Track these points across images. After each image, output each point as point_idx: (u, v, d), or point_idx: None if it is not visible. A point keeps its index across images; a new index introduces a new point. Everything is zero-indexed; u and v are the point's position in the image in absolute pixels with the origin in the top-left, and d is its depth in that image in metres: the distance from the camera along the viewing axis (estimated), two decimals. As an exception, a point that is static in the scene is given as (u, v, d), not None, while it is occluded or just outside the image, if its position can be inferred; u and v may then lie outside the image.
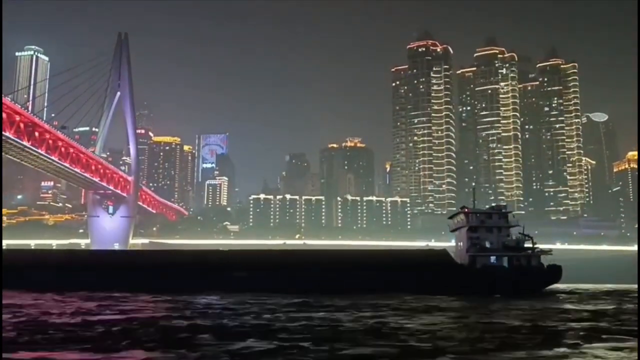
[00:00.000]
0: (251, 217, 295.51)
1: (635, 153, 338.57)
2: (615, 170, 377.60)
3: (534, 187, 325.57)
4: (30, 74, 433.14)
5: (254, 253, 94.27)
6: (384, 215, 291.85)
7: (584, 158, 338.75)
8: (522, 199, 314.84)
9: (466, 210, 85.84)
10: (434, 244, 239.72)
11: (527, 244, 79.75)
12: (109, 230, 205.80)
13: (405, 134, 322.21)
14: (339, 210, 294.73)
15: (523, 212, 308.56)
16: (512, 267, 76.88)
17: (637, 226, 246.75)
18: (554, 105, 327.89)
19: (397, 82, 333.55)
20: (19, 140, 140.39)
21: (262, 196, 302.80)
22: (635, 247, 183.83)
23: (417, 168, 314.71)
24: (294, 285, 65.20)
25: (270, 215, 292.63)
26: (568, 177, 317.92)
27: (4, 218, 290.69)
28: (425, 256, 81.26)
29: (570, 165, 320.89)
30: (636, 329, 29.57)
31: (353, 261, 79.30)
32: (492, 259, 78.12)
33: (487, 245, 79.25)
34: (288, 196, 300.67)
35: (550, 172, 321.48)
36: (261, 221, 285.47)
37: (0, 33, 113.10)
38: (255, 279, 68.98)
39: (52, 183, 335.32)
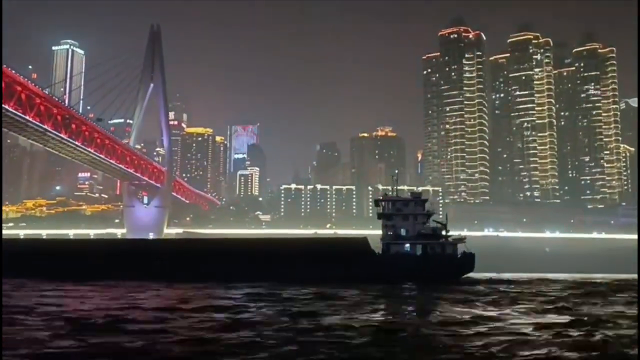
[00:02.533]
0: (282, 206, 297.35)
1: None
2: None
3: (570, 175, 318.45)
4: (66, 68, 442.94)
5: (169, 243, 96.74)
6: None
7: (622, 145, 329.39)
8: (557, 187, 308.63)
9: (381, 198, 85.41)
10: (467, 233, 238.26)
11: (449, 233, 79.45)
12: (144, 220, 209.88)
13: (437, 122, 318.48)
14: (370, 199, 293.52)
15: (558, 200, 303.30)
16: (426, 255, 75.77)
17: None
18: (590, 91, 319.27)
19: (429, 70, 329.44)
20: (57, 133, 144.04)
21: (293, 186, 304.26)
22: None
23: (449, 157, 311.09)
24: (198, 273, 67.05)
25: (301, 205, 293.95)
26: (605, 165, 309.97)
27: (44, 209, 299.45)
28: (345, 245, 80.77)
29: (607, 152, 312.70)
30: None
31: (271, 250, 78.79)
32: (406, 247, 77.28)
33: (403, 233, 78.27)
34: (319, 186, 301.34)
35: (587, 159, 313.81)
36: (292, 211, 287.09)
37: (0, 30, 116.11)
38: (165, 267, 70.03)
39: (88, 174, 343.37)
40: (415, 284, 64.35)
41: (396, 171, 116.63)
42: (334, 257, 71.11)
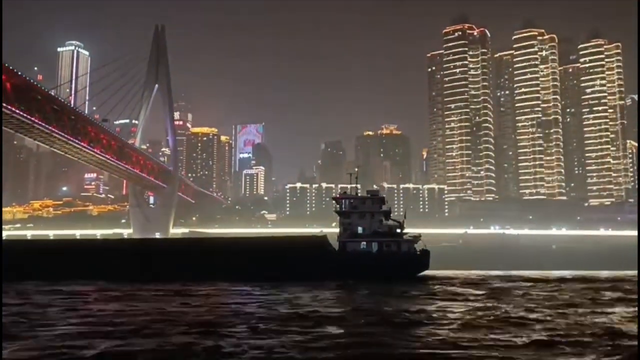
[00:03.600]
0: (288, 205, 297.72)
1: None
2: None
3: (576, 172, 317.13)
4: (71, 69, 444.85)
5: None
6: (421, 202, 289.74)
7: (628, 141, 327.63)
8: (563, 184, 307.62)
9: (338, 195, 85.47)
10: (473, 231, 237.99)
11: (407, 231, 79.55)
12: (150, 220, 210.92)
13: (442, 120, 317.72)
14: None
15: (565, 197, 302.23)
16: (382, 253, 75.59)
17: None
18: (596, 87, 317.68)
19: (433, 68, 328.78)
20: (62, 134, 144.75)
21: (298, 185, 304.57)
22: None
23: (454, 154, 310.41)
24: (150, 271, 67.04)
25: (306, 203, 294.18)
26: (612, 161, 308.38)
27: (50, 209, 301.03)
28: (306, 242, 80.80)
29: (614, 148, 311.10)
30: None
31: (229, 248, 78.75)
32: (362, 244, 77.07)
33: (359, 231, 78.13)
34: (324, 185, 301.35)
35: (593, 156, 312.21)
36: (298, 210, 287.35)
37: (0, 29, 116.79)
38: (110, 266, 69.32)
39: (95, 175, 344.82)
40: (370, 282, 64.13)
41: (356, 169, 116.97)
42: (292, 255, 71.26)
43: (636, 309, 35.63)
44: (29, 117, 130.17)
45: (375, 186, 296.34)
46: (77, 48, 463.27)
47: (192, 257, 72.33)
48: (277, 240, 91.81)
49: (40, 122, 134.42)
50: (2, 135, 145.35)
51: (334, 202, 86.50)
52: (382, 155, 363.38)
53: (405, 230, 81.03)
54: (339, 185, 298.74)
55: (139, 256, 73.68)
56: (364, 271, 70.02)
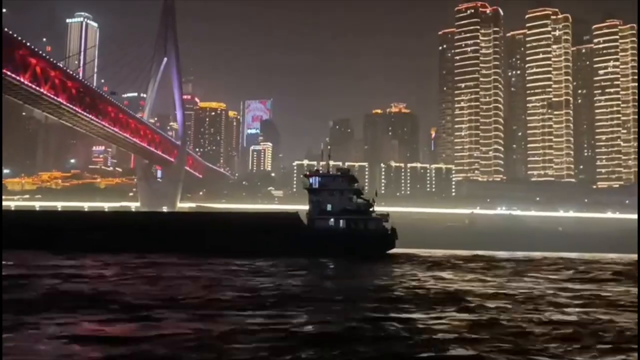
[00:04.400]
0: (295, 182, 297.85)
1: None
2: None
3: (586, 154, 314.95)
4: (80, 41, 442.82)
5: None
6: (428, 182, 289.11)
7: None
8: (572, 166, 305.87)
9: (308, 173, 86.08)
10: (479, 211, 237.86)
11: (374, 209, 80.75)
12: (157, 193, 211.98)
13: (451, 99, 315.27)
14: (383, 176, 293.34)
15: (573, 179, 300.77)
16: (350, 230, 76.40)
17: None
18: (609, 69, 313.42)
19: (444, 46, 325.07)
20: (71, 106, 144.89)
21: (305, 162, 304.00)
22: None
23: (463, 134, 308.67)
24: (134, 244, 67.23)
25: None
26: (622, 144, 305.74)
27: (59, 181, 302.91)
28: (278, 218, 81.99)
29: (625, 131, 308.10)
30: None
31: (203, 222, 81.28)
32: (331, 221, 77.88)
33: (328, 208, 78.86)
34: (331, 162, 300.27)
35: (604, 138, 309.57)
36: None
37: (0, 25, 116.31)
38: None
39: (103, 147, 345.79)
40: (335, 259, 65.02)
41: (328, 147, 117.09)
42: (264, 231, 72.61)
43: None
44: (37, 88, 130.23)
45: (383, 164, 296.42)
46: (85, 19, 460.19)
47: (165, 232, 73.61)
48: (250, 216, 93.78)
49: (48, 94, 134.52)
50: (9, 107, 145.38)
51: (304, 178, 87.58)
52: (390, 133, 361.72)
53: (375, 209, 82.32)
54: (346, 163, 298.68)
55: (118, 229, 74.64)
56: (332, 248, 70.96)
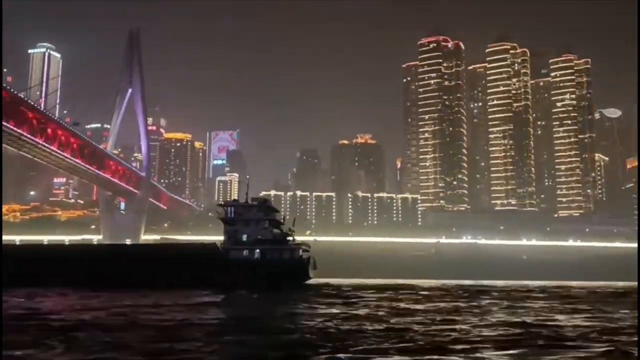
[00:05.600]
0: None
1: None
2: (628, 166, 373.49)
3: (546, 183, 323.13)
4: (42, 71, 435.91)
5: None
6: (394, 211, 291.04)
7: (596, 154, 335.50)
8: (534, 195, 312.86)
9: (223, 203, 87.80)
10: (445, 240, 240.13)
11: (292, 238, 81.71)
12: (120, 226, 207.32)
13: (416, 130, 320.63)
14: (350, 206, 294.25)
15: (535, 208, 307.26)
16: (265, 260, 76.80)
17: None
18: (566, 101, 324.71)
19: (408, 78, 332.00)
20: (31, 137, 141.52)
21: (272, 192, 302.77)
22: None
23: (428, 164, 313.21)
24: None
25: (281, 211, 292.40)
26: (581, 174, 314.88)
27: (17, 214, 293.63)
28: (195, 249, 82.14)
29: (582, 162, 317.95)
30: None
31: (115, 255, 79.91)
32: (245, 252, 78.20)
33: (244, 238, 79.08)
34: (299, 192, 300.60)
35: (563, 168, 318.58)
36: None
37: (0, 29, 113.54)
38: None
39: (64, 179, 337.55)
40: (253, 289, 65.08)
41: (247, 177, 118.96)
42: (181, 262, 72.09)
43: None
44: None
45: (350, 194, 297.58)
46: (48, 50, 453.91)
47: (83, 264, 72.04)
48: (168, 248, 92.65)
49: (8, 125, 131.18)
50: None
51: (219, 208, 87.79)
52: (356, 164, 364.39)
53: (298, 239, 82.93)
54: (314, 194, 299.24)
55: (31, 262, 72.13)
56: (245, 279, 70.89)
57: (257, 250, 77.86)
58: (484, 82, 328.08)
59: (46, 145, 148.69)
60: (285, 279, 73.56)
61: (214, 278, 69.59)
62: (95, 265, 71.83)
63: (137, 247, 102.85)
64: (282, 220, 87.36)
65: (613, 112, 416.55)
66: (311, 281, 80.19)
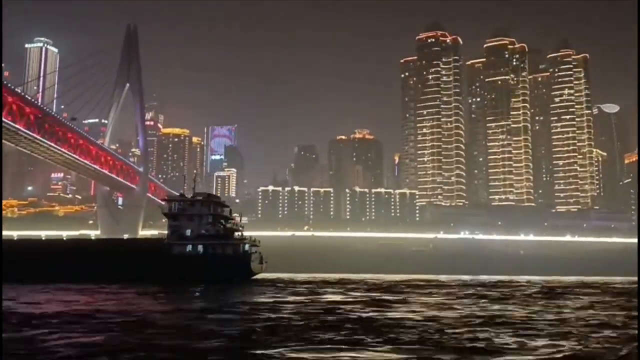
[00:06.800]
0: (260, 208, 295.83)
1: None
2: (626, 162, 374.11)
3: (544, 179, 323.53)
4: (40, 66, 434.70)
5: None
6: (392, 207, 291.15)
7: (594, 150, 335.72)
8: (532, 190, 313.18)
9: (166, 198, 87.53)
10: (443, 236, 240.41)
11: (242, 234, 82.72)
12: (118, 221, 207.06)
13: (414, 126, 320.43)
14: (348, 202, 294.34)
15: (533, 204, 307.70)
16: (207, 255, 76.89)
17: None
18: (564, 96, 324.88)
19: (406, 74, 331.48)
20: (29, 132, 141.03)
21: (270, 188, 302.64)
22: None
23: (425, 160, 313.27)
24: None
25: (278, 207, 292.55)
26: (578, 169, 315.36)
27: (15, 209, 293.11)
28: (141, 244, 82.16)
29: (580, 157, 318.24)
30: None
31: (63, 250, 79.58)
32: (188, 247, 78.22)
33: (187, 233, 79.06)
34: (296, 188, 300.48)
35: (560, 163, 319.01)
36: (270, 213, 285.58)
37: (0, 24, 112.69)
38: None
39: (62, 174, 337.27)
40: (196, 283, 65.53)
41: (195, 171, 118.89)
42: (128, 257, 72.28)
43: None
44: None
45: (348, 189, 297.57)
46: (45, 45, 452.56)
47: (33, 259, 71.79)
48: (118, 242, 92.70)
49: (6, 120, 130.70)
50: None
51: (164, 203, 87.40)
52: (354, 159, 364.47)
53: (246, 234, 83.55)
54: (311, 189, 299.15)
55: None
56: (187, 273, 71.19)
57: (200, 246, 77.59)
58: (481, 77, 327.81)
59: (43, 140, 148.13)
60: (227, 274, 73.37)
61: (157, 273, 69.65)
62: (47, 260, 71.45)
63: (89, 242, 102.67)
64: (230, 215, 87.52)
65: (611, 107, 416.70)
66: (260, 276, 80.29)
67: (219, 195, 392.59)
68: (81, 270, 69.49)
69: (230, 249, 78.21)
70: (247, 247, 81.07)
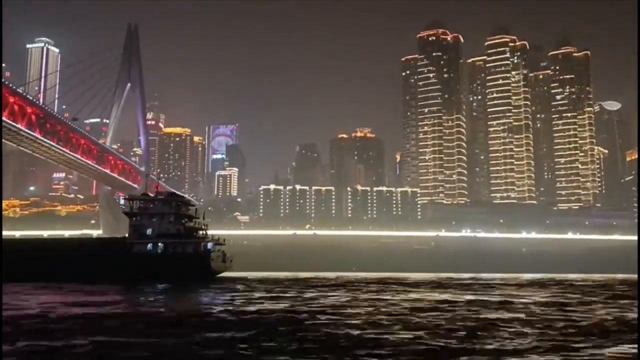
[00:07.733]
0: (261, 207, 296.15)
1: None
2: (628, 159, 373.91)
3: (546, 176, 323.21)
4: (41, 66, 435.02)
5: None
6: (394, 205, 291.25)
7: (596, 147, 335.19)
8: (533, 188, 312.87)
9: (127, 196, 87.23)
10: (444, 234, 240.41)
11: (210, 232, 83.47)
12: (120, 221, 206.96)
13: (415, 124, 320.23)
14: (349, 200, 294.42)
15: (534, 201, 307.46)
16: (167, 254, 76.71)
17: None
18: (565, 93, 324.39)
19: (407, 72, 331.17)
20: (30, 132, 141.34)
21: (272, 187, 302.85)
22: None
23: (427, 158, 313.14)
24: None
25: (280, 205, 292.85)
26: (580, 167, 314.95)
27: (17, 209, 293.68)
28: (102, 243, 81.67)
29: (582, 154, 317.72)
30: None
31: (26, 249, 79.23)
32: (149, 246, 78.03)
33: (148, 232, 78.95)
34: (298, 187, 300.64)
35: (562, 161, 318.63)
36: (271, 212, 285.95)
37: (0, 24, 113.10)
38: None
39: (63, 174, 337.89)
40: (154, 282, 64.82)
41: (157, 171, 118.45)
42: (86, 256, 72.04)
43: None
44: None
45: (350, 188, 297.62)
46: (46, 45, 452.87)
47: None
48: (81, 241, 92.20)
49: (7, 120, 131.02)
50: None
51: (125, 202, 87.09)
52: (356, 158, 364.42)
53: (210, 233, 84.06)
54: (313, 188, 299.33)
55: None
56: (147, 272, 70.67)
57: (161, 244, 77.40)
58: (483, 75, 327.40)
59: (45, 140, 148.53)
60: (187, 273, 72.99)
61: (117, 272, 69.61)
62: (7, 258, 71.02)
63: (53, 240, 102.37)
64: (194, 214, 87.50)
65: (612, 105, 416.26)
66: (226, 274, 79.90)
67: (219, 194, 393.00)
68: (40, 269, 68.47)
69: (190, 248, 78.06)
70: (209, 245, 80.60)
